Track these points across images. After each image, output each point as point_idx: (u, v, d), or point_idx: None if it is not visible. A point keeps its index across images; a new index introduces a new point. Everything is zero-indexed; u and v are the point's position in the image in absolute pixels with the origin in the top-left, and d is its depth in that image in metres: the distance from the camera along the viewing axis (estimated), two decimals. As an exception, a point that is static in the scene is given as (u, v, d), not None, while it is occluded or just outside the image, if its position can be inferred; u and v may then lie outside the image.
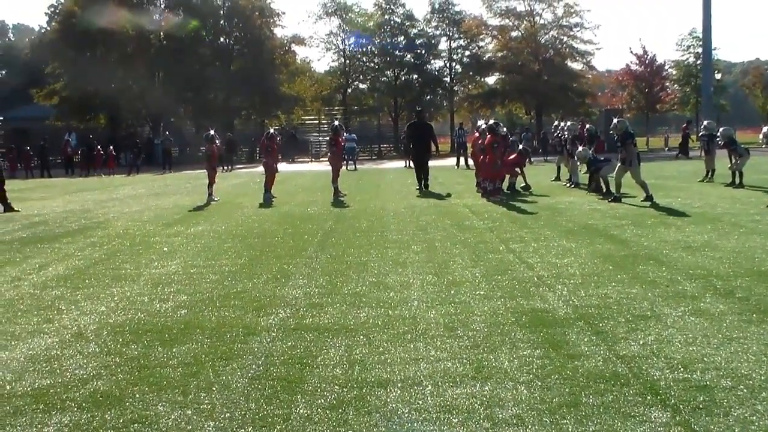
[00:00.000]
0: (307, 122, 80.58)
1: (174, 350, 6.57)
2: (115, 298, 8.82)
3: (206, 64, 66.89)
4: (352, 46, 78.72)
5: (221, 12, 71.87)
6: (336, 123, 27.73)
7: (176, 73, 64.67)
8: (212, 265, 10.95)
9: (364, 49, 79.94)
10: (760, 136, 16.61)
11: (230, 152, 49.24)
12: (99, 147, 49.38)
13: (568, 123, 26.24)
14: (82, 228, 16.11)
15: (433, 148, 25.03)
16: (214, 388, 5.57)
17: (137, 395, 5.49)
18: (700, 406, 4.91)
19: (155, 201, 23.12)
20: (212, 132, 23.58)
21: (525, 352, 6.16)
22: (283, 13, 78.95)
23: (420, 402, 5.16)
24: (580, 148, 22.30)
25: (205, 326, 7.33)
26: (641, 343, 6.31)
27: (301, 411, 5.08)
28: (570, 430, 4.64)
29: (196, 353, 6.47)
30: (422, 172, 24.34)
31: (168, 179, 37.93)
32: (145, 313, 8.00)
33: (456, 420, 4.84)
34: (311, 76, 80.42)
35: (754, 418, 4.70)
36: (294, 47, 78.00)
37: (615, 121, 19.28)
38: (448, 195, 20.07)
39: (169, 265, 11.02)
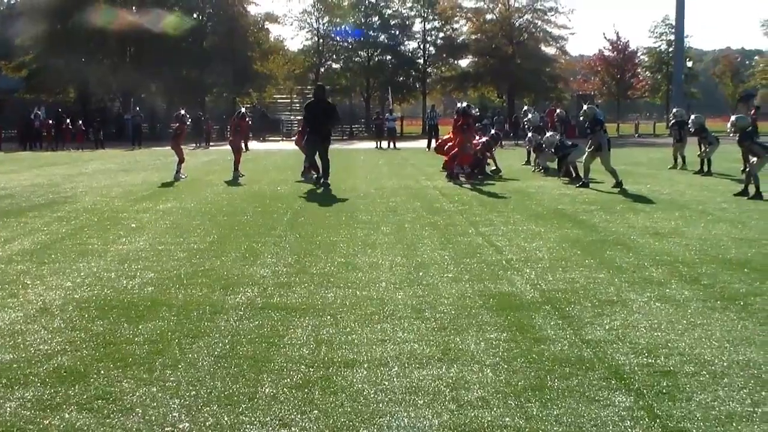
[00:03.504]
0: (279, 101, 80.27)
1: (140, 327, 6.53)
2: (82, 274, 8.75)
3: (179, 40, 66.28)
4: (336, 33, 78.57)
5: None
6: None
7: (148, 49, 64.11)
8: (180, 242, 10.89)
9: (338, 28, 79.72)
10: (728, 124, 16.71)
11: (203, 130, 48.99)
12: (68, 121, 48.94)
13: (529, 115, 26.13)
14: (50, 202, 15.98)
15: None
16: (179, 366, 5.54)
17: (102, 371, 5.45)
18: (664, 390, 4.95)
19: (124, 177, 22.97)
20: (182, 111, 23.74)
21: (492, 335, 6.18)
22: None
23: (386, 383, 5.17)
24: (549, 134, 22.41)
25: (172, 304, 7.30)
26: (607, 327, 6.35)
27: (267, 390, 5.07)
28: (535, 413, 4.67)
29: (162, 330, 6.43)
30: (317, 162, 20.08)
31: (138, 155, 37.70)
32: (111, 290, 7.94)
33: (422, 401, 4.85)
34: (284, 55, 79.97)
35: (716, 403, 4.75)
36: (267, 25, 77.64)
37: (584, 107, 19.41)
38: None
39: (137, 242, 10.95)
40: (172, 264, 9.31)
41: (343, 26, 78.18)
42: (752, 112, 37.75)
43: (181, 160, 22.26)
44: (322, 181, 19.35)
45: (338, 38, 79.04)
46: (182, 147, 22.97)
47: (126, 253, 10.09)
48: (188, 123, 24.23)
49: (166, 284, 8.18)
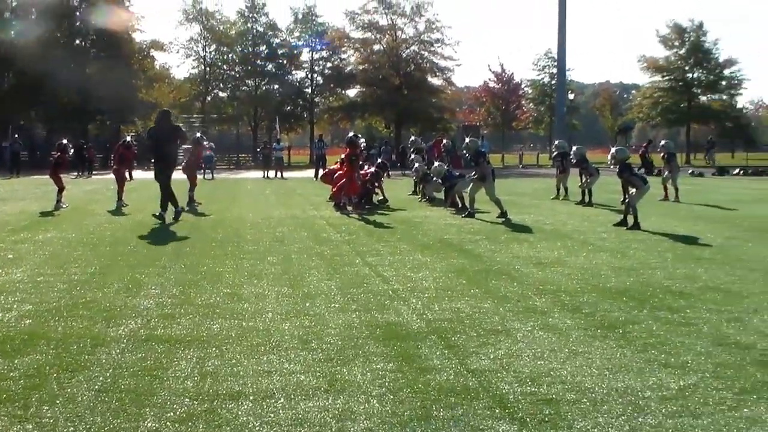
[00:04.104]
0: (164, 129, 79.16)
1: (16, 362, 6.31)
2: (-45, 307, 8.44)
3: (60, 66, 64.77)
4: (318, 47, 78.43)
5: (77, 13, 69.83)
6: (198, 134, 27.94)
7: (28, 74, 62.39)
8: (60, 273, 10.60)
9: (225, 57, 79.44)
10: (609, 156, 17.24)
11: (85, 158, 48.00)
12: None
13: (416, 164, 25.63)
14: None
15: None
16: (57, 401, 5.38)
17: (-26, 409, 5.25)
18: (546, 419, 5.03)
19: (1, 206, 22.27)
20: (65, 141, 23.47)
21: (378, 366, 6.19)
22: (142, 17, 77.58)
23: (272, 415, 5.12)
24: (436, 164, 22.70)
25: (51, 337, 7.08)
26: (492, 357, 6.43)
27: (150, 424, 4.96)
28: (420, 443, 4.68)
29: (39, 365, 6.23)
30: (167, 194, 17.98)
31: (16, 184, 36.61)
32: (-14, 323, 7.67)
33: (307, 433, 4.82)
34: (170, 83, 79.19)
35: (596, 430, 4.85)
36: (153, 52, 76.72)
37: (467, 140, 19.72)
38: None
39: (14, 273, 10.61)
40: (52, 296, 9.05)
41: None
42: (644, 145, 39.07)
43: (61, 189, 21.80)
44: (159, 213, 17.62)
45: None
46: (62, 176, 22.50)
47: (2, 284, 9.76)
48: (70, 153, 23.86)
49: (44, 316, 7.93)
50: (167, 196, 17.93)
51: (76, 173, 45.50)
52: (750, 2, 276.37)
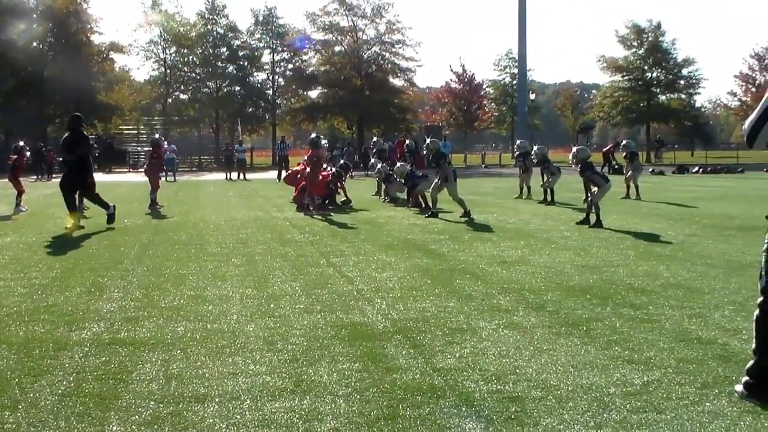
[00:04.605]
0: (125, 132, 78.63)
1: (-22, 367, 6.25)
2: None
3: (18, 69, 64.03)
4: (298, 46, 77.94)
5: (34, 15, 69.06)
6: (156, 136, 27.83)
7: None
8: (21, 277, 10.49)
9: (186, 59, 79.05)
10: (570, 156, 17.39)
11: (44, 161, 47.58)
12: None
13: (378, 165, 25.57)
14: None
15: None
16: (20, 407, 5.31)
17: (-65, 416, 5.17)
18: (512, 416, 5.04)
19: (-40, 210, 22.01)
20: (21, 143, 23.38)
21: (344, 366, 6.18)
22: (101, 19, 76.97)
23: (238, 416, 5.09)
24: (399, 164, 22.74)
25: (12, 341, 7.00)
26: (457, 355, 6.44)
27: (115, 428, 4.91)
28: (387, 442, 4.68)
29: (1, 370, 6.15)
30: (73, 202, 17.27)
31: (-25, 187, 36.22)
32: (-54, 329, 7.57)
33: (274, 435, 4.81)
34: (130, 85, 78.59)
35: (561, 426, 4.87)
36: (112, 55, 76.08)
37: (428, 141, 19.80)
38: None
39: (-25, 278, 10.49)
40: (12, 300, 8.95)
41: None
42: (611, 146, 39.54)
43: (20, 192, 21.61)
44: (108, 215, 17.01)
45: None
46: (21, 179, 22.31)
47: (-38, 289, 9.65)
48: (27, 155, 23.71)
49: (5, 321, 7.84)
50: (97, 200, 17.34)
51: (35, 176, 45.06)
52: (707, 2, 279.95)
